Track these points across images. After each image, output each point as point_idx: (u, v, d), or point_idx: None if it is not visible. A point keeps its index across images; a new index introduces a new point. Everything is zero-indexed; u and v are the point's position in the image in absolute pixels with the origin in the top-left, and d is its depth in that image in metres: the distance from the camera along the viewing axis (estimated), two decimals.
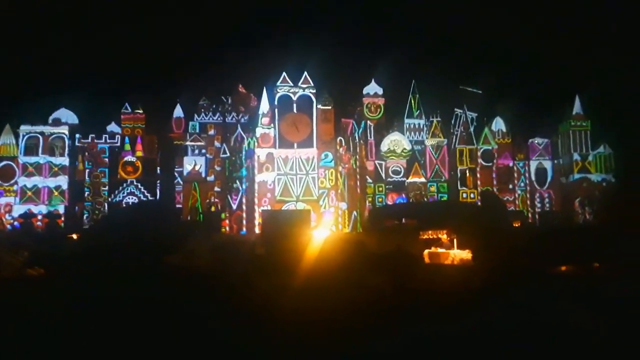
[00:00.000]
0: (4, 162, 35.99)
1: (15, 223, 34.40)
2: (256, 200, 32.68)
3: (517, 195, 39.52)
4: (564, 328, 6.41)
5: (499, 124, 40.52)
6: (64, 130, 37.03)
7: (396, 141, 38.71)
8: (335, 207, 33.02)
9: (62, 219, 35.24)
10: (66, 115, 38.91)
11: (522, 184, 39.79)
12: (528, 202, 39.44)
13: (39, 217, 34.97)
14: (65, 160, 36.70)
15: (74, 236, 22.94)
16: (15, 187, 35.86)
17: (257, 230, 31.39)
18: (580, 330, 6.29)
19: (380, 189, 37.74)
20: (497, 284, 9.93)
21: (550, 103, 41.74)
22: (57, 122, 37.79)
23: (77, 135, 38.38)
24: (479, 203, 35.86)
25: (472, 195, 38.25)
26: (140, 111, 38.40)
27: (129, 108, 38.39)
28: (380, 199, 37.36)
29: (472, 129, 39.95)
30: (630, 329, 6.57)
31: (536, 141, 40.24)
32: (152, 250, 9.50)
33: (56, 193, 36.12)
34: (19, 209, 35.35)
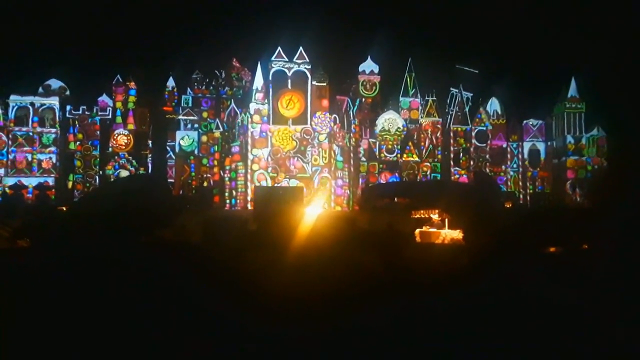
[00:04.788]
0: None
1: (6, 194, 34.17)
2: (249, 177, 32.62)
3: (509, 177, 39.75)
4: (550, 307, 6.49)
5: (494, 105, 40.44)
6: (55, 101, 36.45)
7: (391, 120, 38.56)
8: (328, 181, 33.01)
9: (53, 190, 35.03)
10: (57, 85, 38.32)
11: (515, 165, 39.99)
12: (520, 183, 39.70)
13: (30, 188, 34.75)
14: (55, 132, 36.24)
15: (64, 208, 22.81)
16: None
17: (249, 206, 31.42)
18: (566, 310, 6.37)
19: (374, 167, 37.76)
20: (486, 264, 10.01)
21: (546, 85, 41.63)
22: (48, 89, 37.15)
23: (68, 107, 37.84)
24: (472, 183, 35.96)
25: (464, 176, 38.40)
26: (132, 83, 37.82)
27: (120, 79, 37.80)
28: (373, 178, 37.42)
29: (467, 109, 39.88)
30: (616, 309, 6.65)
31: (530, 123, 40.29)
32: (142, 224, 9.48)
33: (46, 165, 35.77)
34: (8, 181, 35.04)
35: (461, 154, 39.11)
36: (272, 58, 33.35)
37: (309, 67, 33.46)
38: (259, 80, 33.62)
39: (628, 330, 5.52)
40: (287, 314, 5.08)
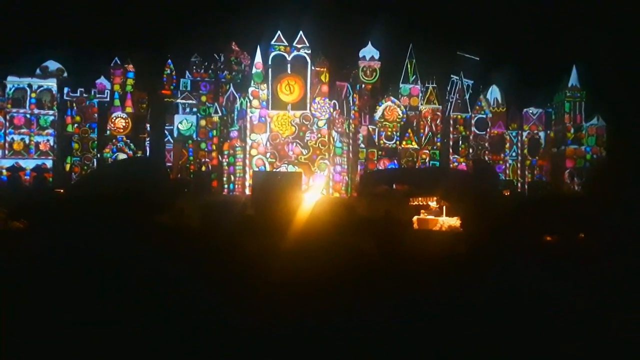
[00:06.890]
0: None
1: (3, 176, 34.08)
2: (247, 162, 32.54)
3: (507, 165, 39.74)
4: (547, 297, 6.50)
5: (494, 93, 40.24)
6: (52, 83, 36.13)
7: (390, 106, 38.38)
8: (327, 167, 32.98)
9: (51, 173, 34.95)
10: (54, 67, 37.97)
11: (514, 154, 39.95)
12: (519, 171, 39.71)
13: (27, 171, 34.66)
14: (53, 114, 36.00)
15: (61, 191, 22.78)
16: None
17: (247, 191, 31.41)
18: (562, 300, 6.38)
19: (373, 154, 37.69)
20: (483, 251, 10.02)
21: (547, 73, 41.39)
22: (45, 70, 36.80)
23: (66, 89, 37.55)
24: (471, 171, 36.00)
25: (463, 164, 38.38)
26: (131, 66, 37.50)
27: (119, 62, 37.48)
28: (372, 165, 37.38)
29: (467, 97, 39.69)
30: (611, 300, 6.67)
31: (530, 111, 40.15)
32: (140, 208, 9.42)
33: (44, 147, 35.60)
34: (6, 163, 34.91)
35: (460, 142, 39.03)
36: (272, 42, 33.03)
37: (309, 52, 33.16)
38: (258, 65, 33.33)
39: (624, 319, 5.54)
40: (284, 306, 5.05)
